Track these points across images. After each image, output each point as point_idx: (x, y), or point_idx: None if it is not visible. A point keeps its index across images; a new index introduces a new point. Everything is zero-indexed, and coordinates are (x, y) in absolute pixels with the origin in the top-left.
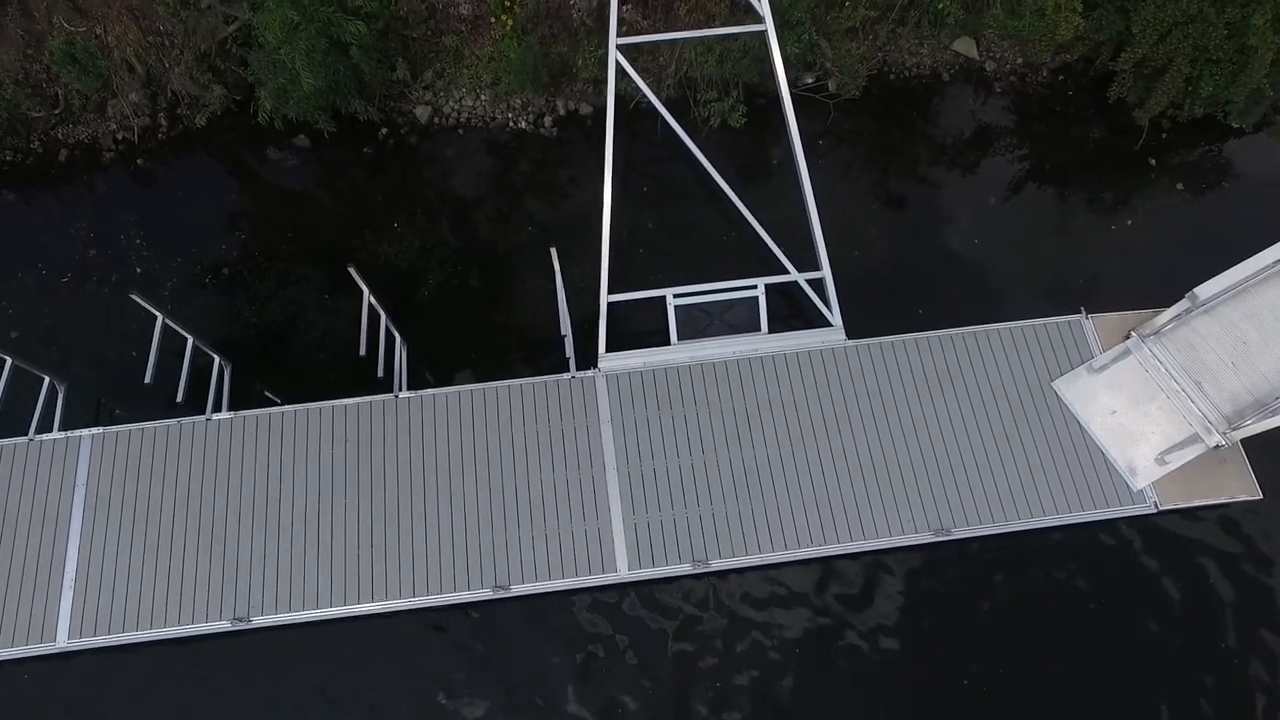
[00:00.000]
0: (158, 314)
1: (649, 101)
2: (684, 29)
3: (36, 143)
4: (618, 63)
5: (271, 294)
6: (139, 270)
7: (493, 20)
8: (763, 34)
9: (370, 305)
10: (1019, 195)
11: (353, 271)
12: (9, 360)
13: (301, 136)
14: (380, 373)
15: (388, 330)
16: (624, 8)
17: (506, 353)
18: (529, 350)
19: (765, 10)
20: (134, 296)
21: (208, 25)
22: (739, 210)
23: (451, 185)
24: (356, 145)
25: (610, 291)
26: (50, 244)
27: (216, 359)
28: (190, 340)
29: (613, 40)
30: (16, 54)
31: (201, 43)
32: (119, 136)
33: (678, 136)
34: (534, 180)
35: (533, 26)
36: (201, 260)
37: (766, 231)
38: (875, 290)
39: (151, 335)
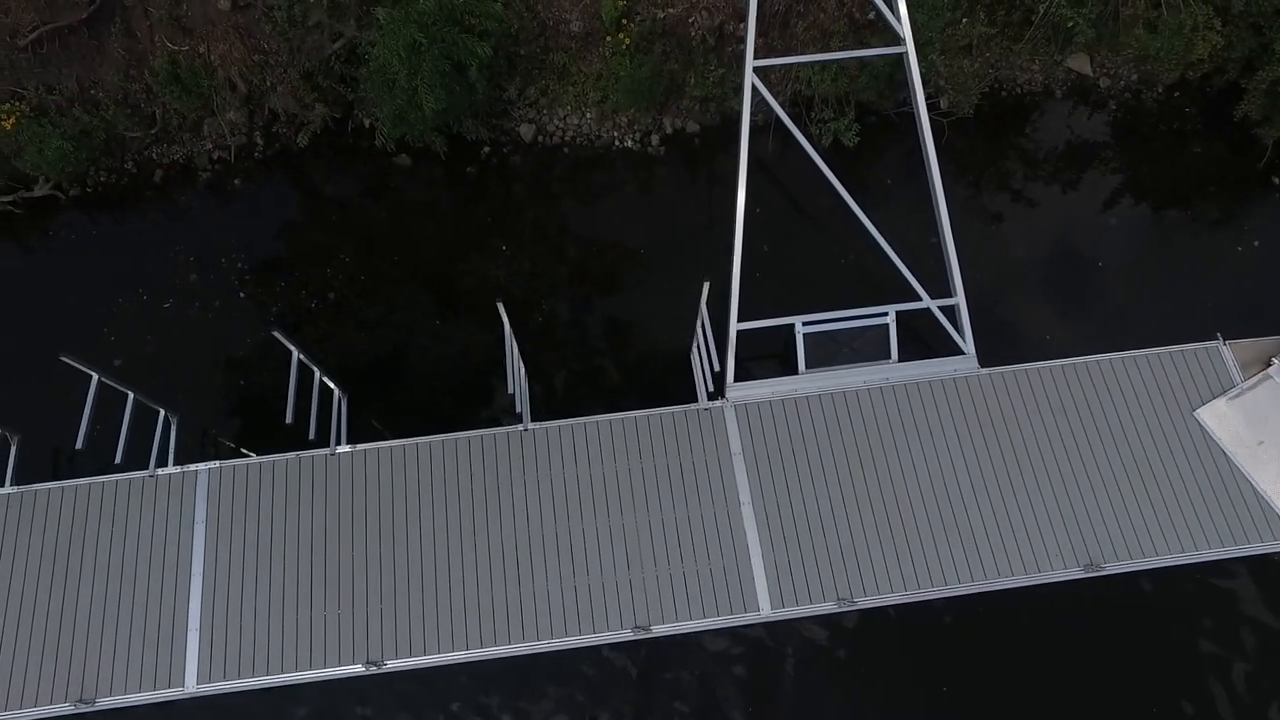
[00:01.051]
0: (293, 349)
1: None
2: (803, 47)
3: (131, 163)
4: (752, 84)
5: (380, 320)
6: (242, 295)
7: (608, 38)
8: (897, 55)
9: (509, 338)
10: (1138, 215)
11: (501, 309)
12: (131, 395)
13: (403, 156)
14: (517, 407)
15: (515, 362)
16: (741, 26)
17: (629, 380)
18: (650, 377)
19: (906, 31)
20: (276, 334)
21: (314, 43)
22: (855, 233)
23: (558, 206)
24: (459, 164)
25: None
26: (150, 268)
27: (335, 389)
28: (317, 374)
29: (749, 62)
30: (118, 74)
31: (306, 61)
32: (214, 156)
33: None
34: (643, 200)
35: (647, 44)
36: (306, 284)
37: (880, 255)
38: (998, 315)
39: (258, 365)
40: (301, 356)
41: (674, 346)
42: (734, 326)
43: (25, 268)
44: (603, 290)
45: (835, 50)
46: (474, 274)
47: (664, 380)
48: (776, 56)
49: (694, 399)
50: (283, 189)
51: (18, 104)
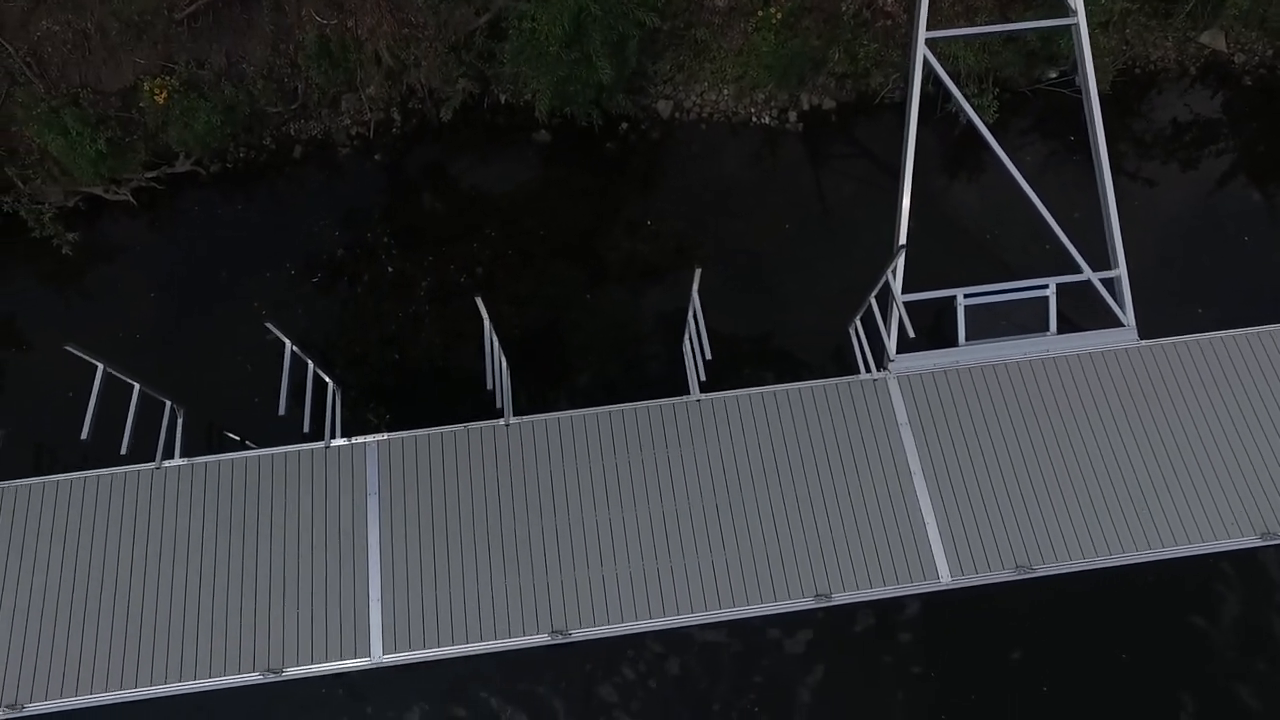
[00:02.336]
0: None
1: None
2: (949, 22)
3: (269, 139)
4: (920, 57)
5: (531, 294)
6: (390, 270)
7: (758, 12)
8: (1065, 27)
9: (695, 311)
10: (1277, 190)
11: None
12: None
13: (542, 132)
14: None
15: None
16: (883, 2)
17: (790, 353)
18: (811, 349)
19: (1079, 2)
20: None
21: (461, 16)
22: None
23: (699, 182)
24: (598, 141)
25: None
26: (295, 242)
27: (503, 360)
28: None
29: (921, 34)
30: (266, 48)
31: (452, 34)
32: (353, 132)
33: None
34: (783, 177)
35: (795, 19)
36: (454, 259)
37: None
38: (1145, 289)
39: (412, 338)
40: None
41: (826, 318)
42: (899, 297)
43: (171, 243)
44: (748, 263)
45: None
46: (619, 249)
47: (820, 351)
48: (946, 29)
49: (851, 373)
50: (423, 164)
51: (168, 78)
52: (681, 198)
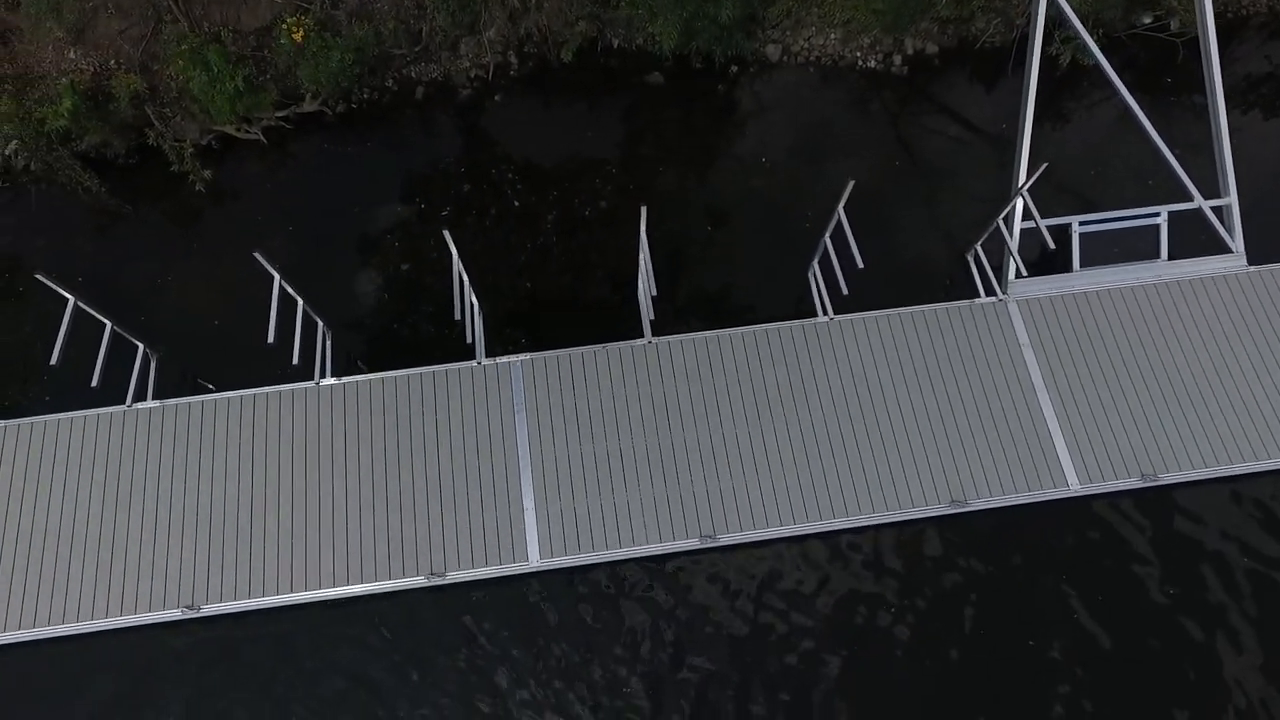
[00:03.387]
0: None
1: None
2: None
3: (391, 81)
4: None
5: (652, 226)
6: (516, 204)
7: None
8: None
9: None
10: None
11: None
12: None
13: (655, 74)
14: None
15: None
16: None
17: (909, 279)
18: (928, 276)
19: None
20: (257, 255)
21: None
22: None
23: (808, 122)
24: (709, 83)
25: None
26: (423, 179)
27: (319, 321)
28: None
29: None
30: None
31: None
32: (472, 74)
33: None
34: (889, 118)
35: None
36: (577, 194)
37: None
38: (1252, 218)
39: (541, 267)
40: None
41: (940, 248)
42: (1018, 225)
43: (301, 180)
44: (861, 198)
45: None
46: (737, 184)
47: (936, 279)
48: None
49: (969, 298)
50: (542, 105)
51: (304, 18)
52: (792, 137)
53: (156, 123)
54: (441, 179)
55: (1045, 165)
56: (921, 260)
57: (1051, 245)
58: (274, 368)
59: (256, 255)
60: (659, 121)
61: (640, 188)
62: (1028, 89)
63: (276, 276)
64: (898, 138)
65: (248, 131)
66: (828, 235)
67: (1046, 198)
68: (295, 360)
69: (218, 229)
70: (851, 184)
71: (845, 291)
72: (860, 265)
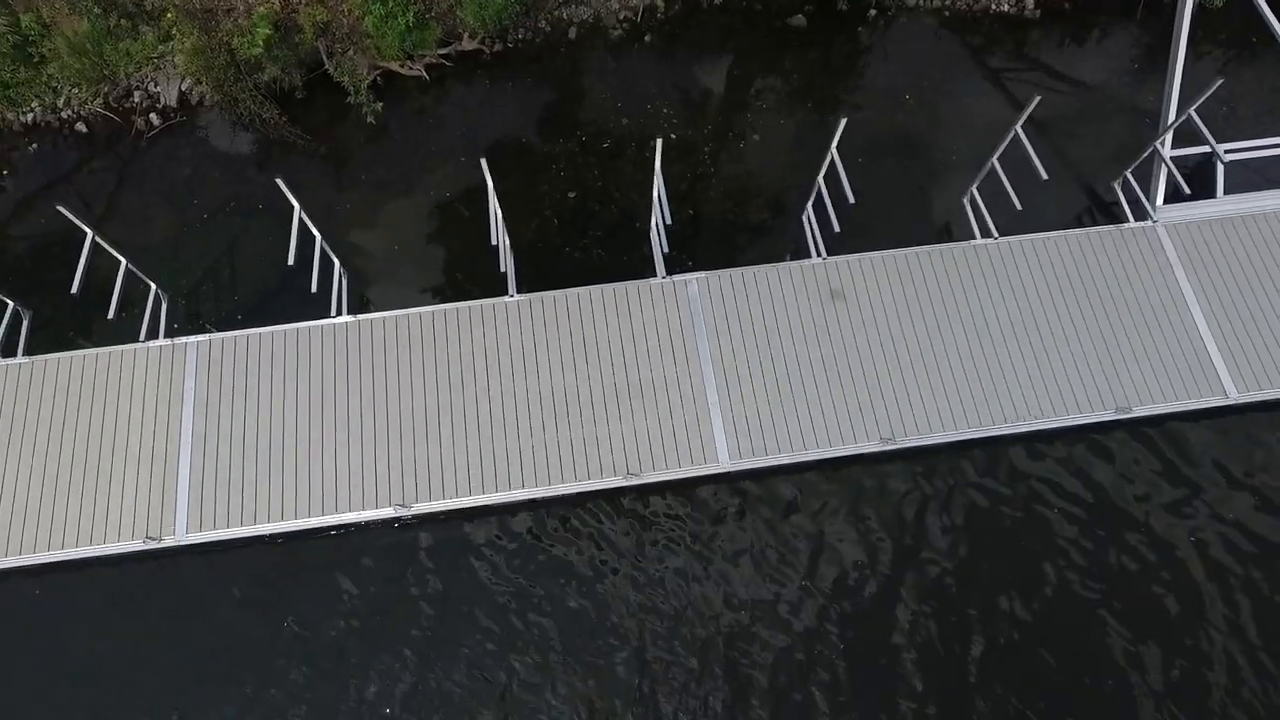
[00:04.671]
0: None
1: None
2: None
3: (544, 22)
4: None
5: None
6: (673, 136)
7: None
8: None
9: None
10: None
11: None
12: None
13: (798, 17)
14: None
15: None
16: None
17: (1055, 206)
18: (1073, 202)
19: None
20: (279, 182)
21: None
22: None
23: (948, 62)
24: (849, 24)
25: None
26: (581, 114)
27: (335, 261)
28: (318, 240)
29: None
30: None
31: None
32: (621, 16)
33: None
34: (1026, 58)
35: None
36: (731, 128)
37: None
38: None
39: (700, 193)
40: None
41: (1085, 177)
42: (1168, 152)
43: (463, 114)
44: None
45: None
46: (885, 119)
47: (1080, 204)
48: None
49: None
50: (690, 44)
51: None
52: (932, 75)
53: (326, 59)
54: (600, 113)
55: (1220, 82)
56: (1073, 187)
57: (1224, 159)
58: (460, 284)
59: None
60: (802, 62)
61: (787, 121)
62: (1181, 13)
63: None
64: (1034, 77)
65: (411, 68)
66: (996, 158)
67: (1184, 134)
68: (502, 266)
69: (387, 160)
70: (1027, 106)
71: (1019, 207)
72: (1018, 207)
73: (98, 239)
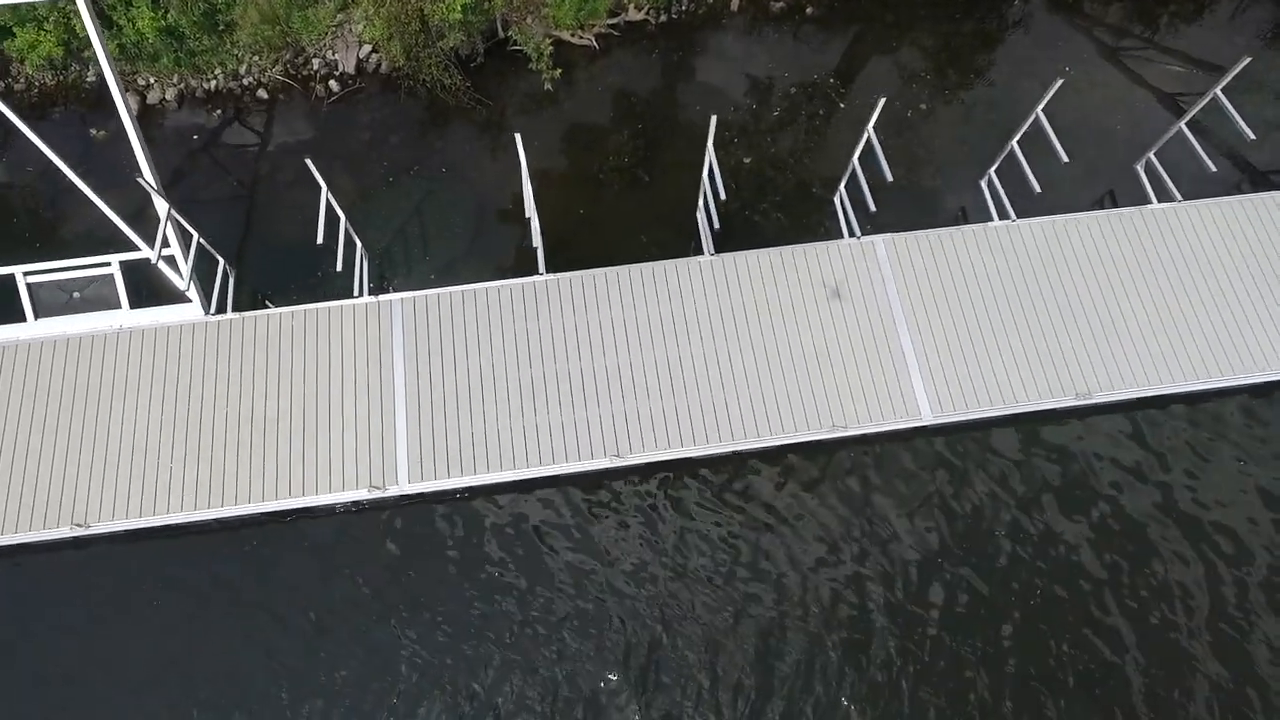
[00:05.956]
0: (323, 184)
1: None
2: None
3: None
4: None
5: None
6: (842, 106)
7: None
8: None
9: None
10: None
11: (518, 140)
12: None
13: None
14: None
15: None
16: None
17: None
18: None
19: None
20: (308, 162)
21: None
22: None
23: (1083, 28)
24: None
25: None
26: (746, 83)
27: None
28: (342, 220)
29: None
30: None
31: None
32: None
33: None
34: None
35: None
36: (901, 97)
37: None
38: None
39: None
40: (329, 197)
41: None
42: None
43: (634, 83)
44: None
45: None
46: (1039, 75)
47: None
48: None
49: None
50: (849, 17)
51: None
52: (1089, 51)
53: (501, 28)
54: (764, 82)
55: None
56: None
57: (723, 195)
58: (645, 246)
59: (308, 161)
60: (960, 34)
61: (955, 92)
62: None
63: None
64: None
65: (581, 37)
66: (525, 178)
67: None
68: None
69: (561, 126)
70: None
71: (1213, 168)
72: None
73: (329, 196)
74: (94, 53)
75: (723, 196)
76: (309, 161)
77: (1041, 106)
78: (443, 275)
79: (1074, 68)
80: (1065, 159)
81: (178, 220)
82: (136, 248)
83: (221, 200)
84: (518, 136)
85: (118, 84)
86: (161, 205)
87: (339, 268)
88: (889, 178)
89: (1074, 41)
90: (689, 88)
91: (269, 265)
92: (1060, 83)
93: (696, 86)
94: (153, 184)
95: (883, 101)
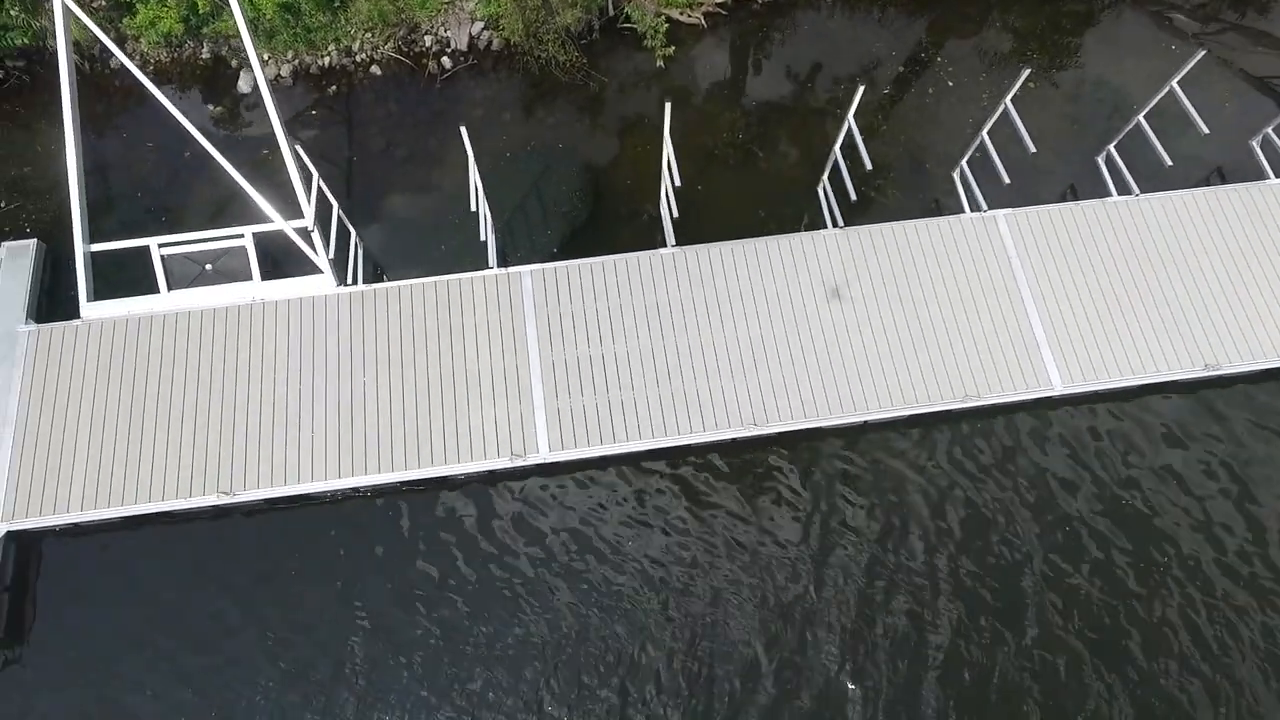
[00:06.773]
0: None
1: None
2: None
3: None
4: None
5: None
6: (950, 84)
7: None
8: None
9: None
10: None
11: (463, 132)
12: (335, 206)
13: None
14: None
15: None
16: None
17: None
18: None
19: None
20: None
21: None
22: None
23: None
24: None
25: None
26: (857, 61)
27: (351, 230)
28: (335, 209)
29: None
30: None
31: None
32: None
33: None
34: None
35: None
36: (1006, 76)
37: None
38: None
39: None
40: (475, 176)
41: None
42: None
43: (744, 60)
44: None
45: None
46: (1149, 67)
47: None
48: None
49: None
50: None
51: None
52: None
53: (613, 6)
54: (872, 60)
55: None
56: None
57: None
58: (763, 220)
59: (462, 129)
60: (1060, 14)
61: (1050, 69)
62: None
63: (315, 174)
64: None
65: (691, 15)
66: (472, 173)
67: None
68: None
69: (677, 103)
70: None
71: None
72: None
73: (473, 164)
74: (210, 30)
75: (869, 167)
76: (463, 129)
77: (1178, 79)
78: (565, 249)
79: (1179, 47)
80: (1205, 130)
81: (323, 191)
82: (268, 219)
83: (335, 175)
84: (667, 106)
85: (256, 56)
86: (310, 175)
87: (483, 237)
88: (1032, 149)
89: (1181, 24)
90: (798, 65)
91: (387, 238)
92: (1203, 53)
93: (805, 64)
94: (301, 155)
95: (1026, 73)
